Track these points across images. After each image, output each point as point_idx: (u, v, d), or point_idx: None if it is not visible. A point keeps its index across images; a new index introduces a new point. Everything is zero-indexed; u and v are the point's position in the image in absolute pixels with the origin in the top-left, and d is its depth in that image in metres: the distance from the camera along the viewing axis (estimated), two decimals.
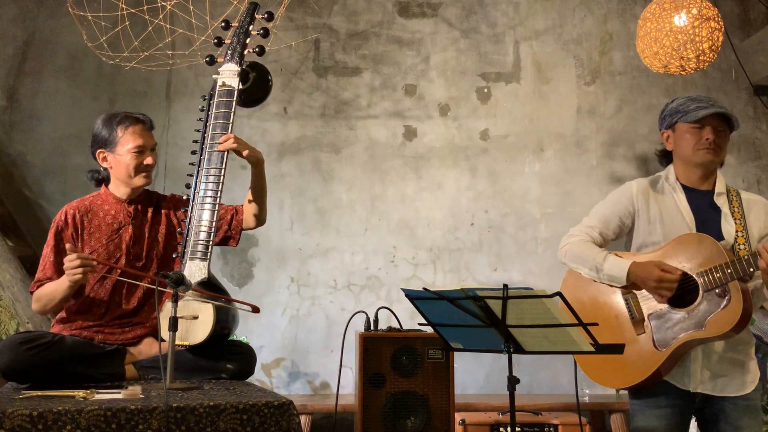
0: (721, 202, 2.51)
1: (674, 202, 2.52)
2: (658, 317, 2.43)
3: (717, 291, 2.35)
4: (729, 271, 2.31)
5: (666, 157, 2.66)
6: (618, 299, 2.51)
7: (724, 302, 2.33)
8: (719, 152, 2.50)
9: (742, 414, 2.38)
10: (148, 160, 2.72)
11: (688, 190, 2.54)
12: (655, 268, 2.38)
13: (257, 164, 2.72)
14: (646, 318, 2.46)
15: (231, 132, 2.69)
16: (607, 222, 2.58)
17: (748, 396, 2.40)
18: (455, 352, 2.81)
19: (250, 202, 2.80)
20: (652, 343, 2.41)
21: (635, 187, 2.59)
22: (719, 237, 2.44)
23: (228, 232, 2.83)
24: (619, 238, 2.64)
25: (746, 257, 2.31)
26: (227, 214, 2.83)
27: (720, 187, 2.54)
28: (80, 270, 2.44)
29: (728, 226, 2.46)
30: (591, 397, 4.25)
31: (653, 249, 2.50)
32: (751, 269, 2.30)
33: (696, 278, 2.38)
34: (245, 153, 2.65)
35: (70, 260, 2.45)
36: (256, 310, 2.57)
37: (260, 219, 2.83)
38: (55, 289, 2.57)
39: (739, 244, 2.43)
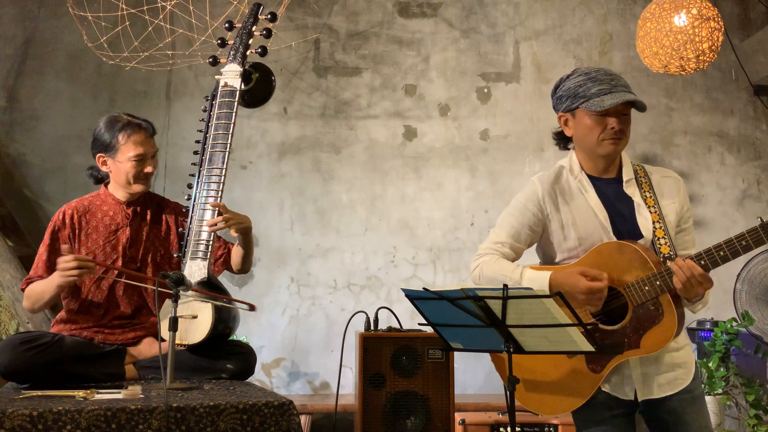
0: (631, 191, 2.29)
1: (584, 200, 2.29)
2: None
3: (648, 304, 2.16)
4: (658, 283, 2.13)
5: (564, 140, 2.40)
6: None
7: (657, 318, 2.15)
8: (624, 139, 2.28)
9: (688, 408, 2.24)
10: (148, 169, 2.72)
11: (595, 181, 2.32)
12: (580, 278, 2.16)
13: (246, 232, 2.72)
14: None
15: (231, 132, 2.70)
16: (517, 234, 2.33)
17: (689, 388, 2.25)
18: (455, 352, 2.81)
19: (237, 255, 2.79)
20: (585, 366, 2.22)
21: (540, 188, 2.33)
22: (636, 232, 2.24)
23: (212, 264, 2.82)
24: (532, 245, 2.41)
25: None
26: (218, 249, 2.83)
27: (627, 172, 2.31)
28: (76, 272, 2.43)
29: (643, 220, 2.24)
30: None
31: (569, 256, 2.30)
32: None
33: (624, 292, 2.18)
34: (233, 233, 2.67)
35: (66, 261, 2.44)
36: (252, 308, 2.58)
37: (243, 270, 2.85)
38: (44, 288, 2.56)
39: (658, 238, 2.22)
